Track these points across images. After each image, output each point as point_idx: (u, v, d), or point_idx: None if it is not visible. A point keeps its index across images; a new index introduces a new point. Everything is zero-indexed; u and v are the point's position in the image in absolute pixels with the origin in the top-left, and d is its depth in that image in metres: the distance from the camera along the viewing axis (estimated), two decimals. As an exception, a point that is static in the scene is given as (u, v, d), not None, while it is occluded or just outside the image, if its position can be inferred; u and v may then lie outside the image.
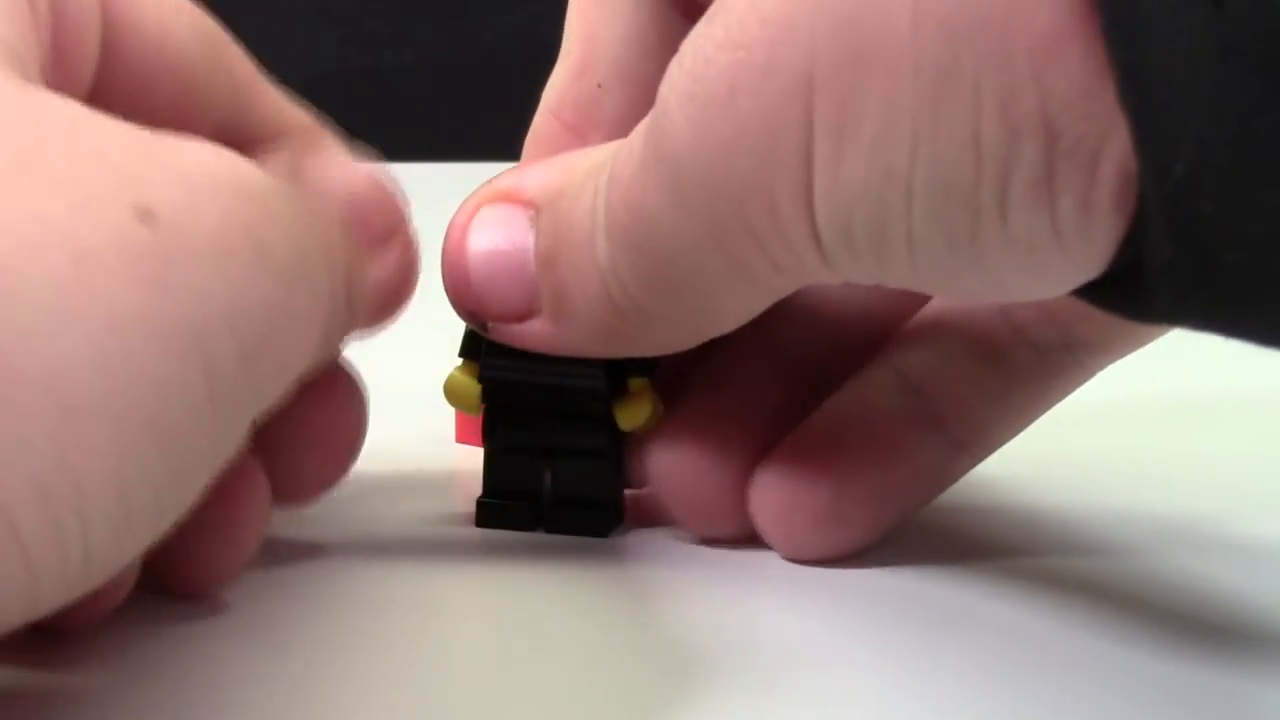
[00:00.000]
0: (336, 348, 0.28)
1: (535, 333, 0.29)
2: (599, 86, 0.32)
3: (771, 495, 0.31)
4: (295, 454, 0.29)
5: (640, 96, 0.30)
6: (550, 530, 0.32)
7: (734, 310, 0.28)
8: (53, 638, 0.26)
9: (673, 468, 0.31)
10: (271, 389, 0.24)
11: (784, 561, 0.31)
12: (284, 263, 0.23)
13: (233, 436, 0.23)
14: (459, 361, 0.32)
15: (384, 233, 0.29)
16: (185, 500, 0.22)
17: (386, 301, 0.30)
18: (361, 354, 0.30)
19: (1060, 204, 0.23)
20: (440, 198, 0.30)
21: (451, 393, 0.32)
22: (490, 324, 0.30)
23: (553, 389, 0.31)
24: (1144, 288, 0.23)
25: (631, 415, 0.32)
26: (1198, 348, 0.26)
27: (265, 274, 0.23)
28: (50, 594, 0.20)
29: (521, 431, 0.32)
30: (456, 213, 0.30)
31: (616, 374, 0.31)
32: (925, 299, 0.33)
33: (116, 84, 0.27)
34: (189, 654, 0.26)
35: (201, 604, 0.28)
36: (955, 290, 0.27)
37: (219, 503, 0.25)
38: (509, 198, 0.29)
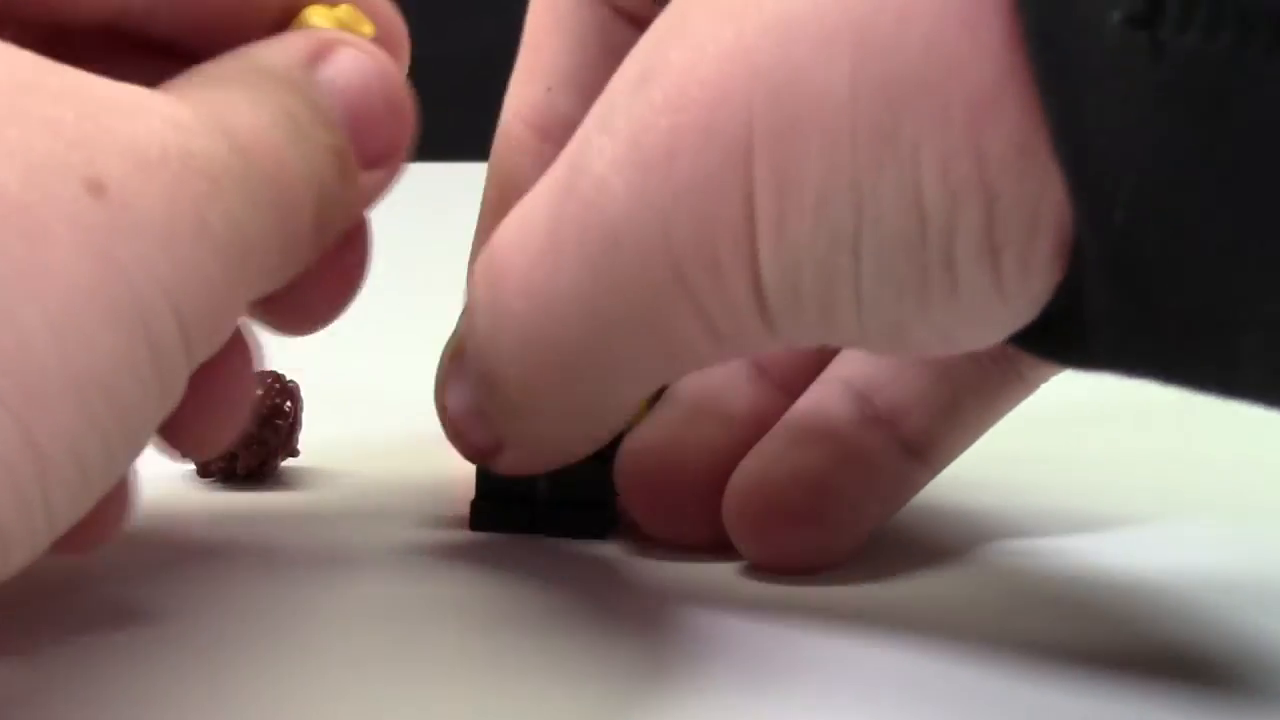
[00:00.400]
0: (292, 274, 0.27)
1: (503, 462, 0.29)
2: (549, 90, 0.32)
3: (746, 502, 0.31)
4: (296, 284, 0.27)
5: (589, 99, 0.29)
6: (545, 532, 0.32)
7: (631, 398, 0.28)
8: (51, 647, 0.26)
9: (641, 476, 0.31)
10: (205, 352, 0.24)
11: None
12: (226, 241, 0.23)
13: (173, 394, 0.23)
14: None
15: (382, 151, 0.27)
16: (136, 453, 0.23)
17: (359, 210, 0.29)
18: (356, 356, 0.30)
19: (1004, 259, 0.23)
20: (440, 197, 0.30)
21: (447, 393, 0.32)
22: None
23: None
24: (1083, 336, 0.23)
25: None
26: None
27: (206, 252, 0.23)
28: (17, 559, 0.21)
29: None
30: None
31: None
32: None
33: None
34: (186, 652, 0.26)
35: (197, 602, 0.28)
36: (898, 346, 0.26)
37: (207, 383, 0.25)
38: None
